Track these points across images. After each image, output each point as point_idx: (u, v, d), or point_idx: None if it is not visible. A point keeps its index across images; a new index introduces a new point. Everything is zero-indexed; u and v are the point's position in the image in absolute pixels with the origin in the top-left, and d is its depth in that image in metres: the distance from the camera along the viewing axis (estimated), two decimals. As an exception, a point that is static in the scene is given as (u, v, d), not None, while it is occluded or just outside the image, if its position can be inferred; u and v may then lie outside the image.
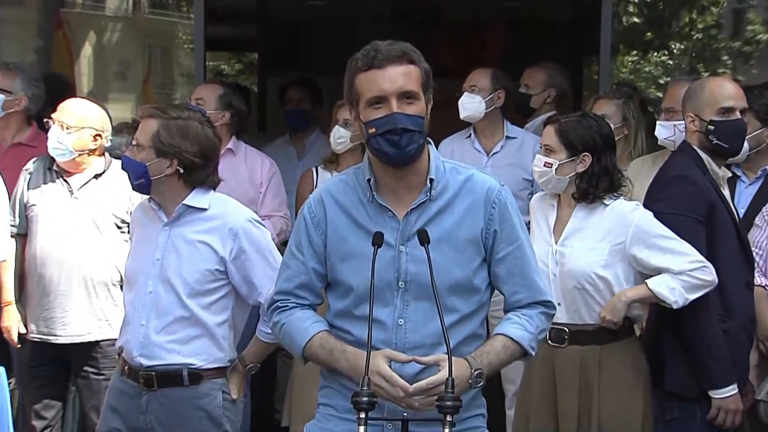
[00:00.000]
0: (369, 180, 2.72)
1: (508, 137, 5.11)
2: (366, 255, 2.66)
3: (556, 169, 3.61)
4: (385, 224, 2.70)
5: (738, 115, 3.70)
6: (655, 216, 3.56)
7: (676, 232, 3.52)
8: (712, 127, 3.68)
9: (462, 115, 5.08)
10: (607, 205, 3.59)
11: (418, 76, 2.65)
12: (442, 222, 2.71)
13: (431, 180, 2.70)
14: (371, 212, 2.73)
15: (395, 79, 2.62)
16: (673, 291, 3.49)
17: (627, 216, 3.55)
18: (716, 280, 3.51)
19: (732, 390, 3.58)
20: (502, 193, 2.75)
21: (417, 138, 2.65)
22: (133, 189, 3.43)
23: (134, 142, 3.38)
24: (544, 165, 3.63)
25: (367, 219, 2.73)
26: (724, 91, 3.72)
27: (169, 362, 3.31)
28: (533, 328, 2.76)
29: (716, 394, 3.58)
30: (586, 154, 3.59)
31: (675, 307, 3.50)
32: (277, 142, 6.11)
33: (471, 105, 5.04)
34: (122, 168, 3.47)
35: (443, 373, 2.56)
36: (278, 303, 2.85)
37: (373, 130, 2.63)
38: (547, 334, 3.50)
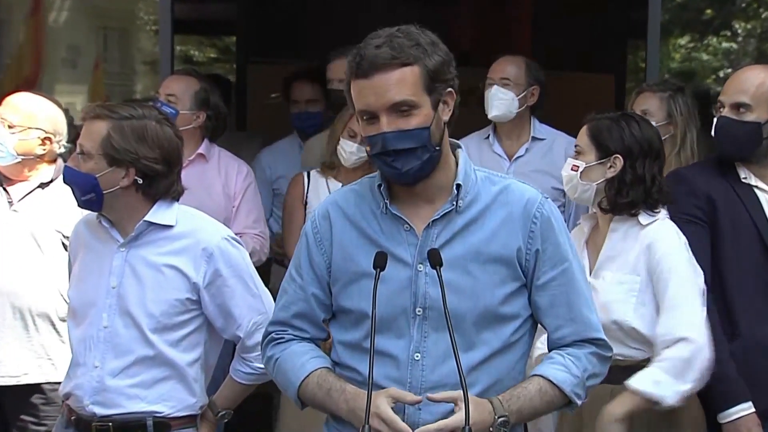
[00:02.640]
0: (380, 186, 2.72)
1: (534, 138, 5.08)
2: (381, 276, 2.65)
3: (581, 173, 3.63)
4: (401, 239, 2.71)
5: (723, 111, 3.80)
6: None
7: None
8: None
9: (491, 115, 4.99)
10: (643, 226, 3.59)
11: (418, 77, 2.62)
12: (470, 237, 2.70)
13: (458, 186, 2.70)
14: (384, 225, 2.73)
15: (382, 91, 2.60)
16: (658, 385, 3.40)
17: (657, 244, 3.54)
18: (704, 344, 3.43)
19: (743, 410, 3.62)
20: (544, 205, 2.75)
21: (420, 154, 2.64)
22: (79, 206, 3.39)
23: (79, 150, 3.34)
24: (571, 168, 3.67)
25: (379, 233, 2.73)
26: (727, 84, 3.87)
27: (130, 410, 3.30)
28: (579, 370, 2.75)
29: (724, 418, 3.64)
30: (618, 156, 3.61)
31: (673, 405, 3.41)
32: (282, 144, 5.95)
33: (503, 103, 4.95)
34: (65, 181, 3.43)
35: (458, 417, 2.55)
36: (273, 335, 2.86)
37: (368, 148, 2.67)
38: None
